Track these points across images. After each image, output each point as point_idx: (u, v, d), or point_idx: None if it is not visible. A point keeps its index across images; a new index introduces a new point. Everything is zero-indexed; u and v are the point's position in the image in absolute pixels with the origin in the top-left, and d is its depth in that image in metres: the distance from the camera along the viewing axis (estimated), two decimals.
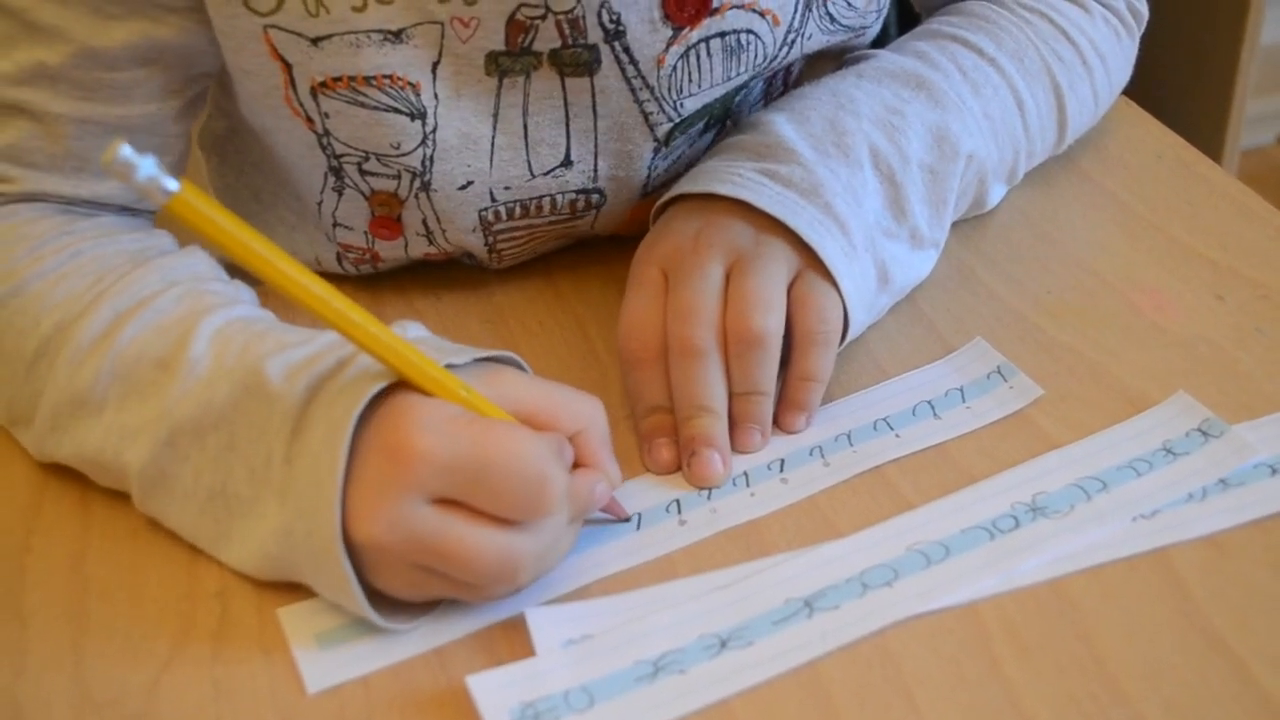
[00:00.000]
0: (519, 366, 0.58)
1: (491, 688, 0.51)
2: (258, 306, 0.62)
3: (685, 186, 0.66)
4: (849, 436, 0.62)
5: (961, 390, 0.64)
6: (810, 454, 0.62)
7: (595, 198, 0.70)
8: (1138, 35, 0.81)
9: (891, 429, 0.63)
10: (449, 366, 0.53)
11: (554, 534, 0.53)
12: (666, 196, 0.67)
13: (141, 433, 0.56)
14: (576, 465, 0.56)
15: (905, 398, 0.64)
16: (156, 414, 0.56)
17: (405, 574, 0.52)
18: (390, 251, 0.72)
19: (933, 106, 0.69)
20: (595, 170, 0.68)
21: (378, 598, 0.53)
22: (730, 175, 0.65)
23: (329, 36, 0.61)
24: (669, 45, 0.64)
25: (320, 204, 0.70)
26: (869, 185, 0.66)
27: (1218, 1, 1.76)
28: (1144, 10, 0.81)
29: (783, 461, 0.61)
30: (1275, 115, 2.20)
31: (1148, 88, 0.88)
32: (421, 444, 0.50)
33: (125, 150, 0.44)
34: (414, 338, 0.56)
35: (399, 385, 0.52)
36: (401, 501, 0.50)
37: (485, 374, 0.55)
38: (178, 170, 0.70)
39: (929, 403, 0.64)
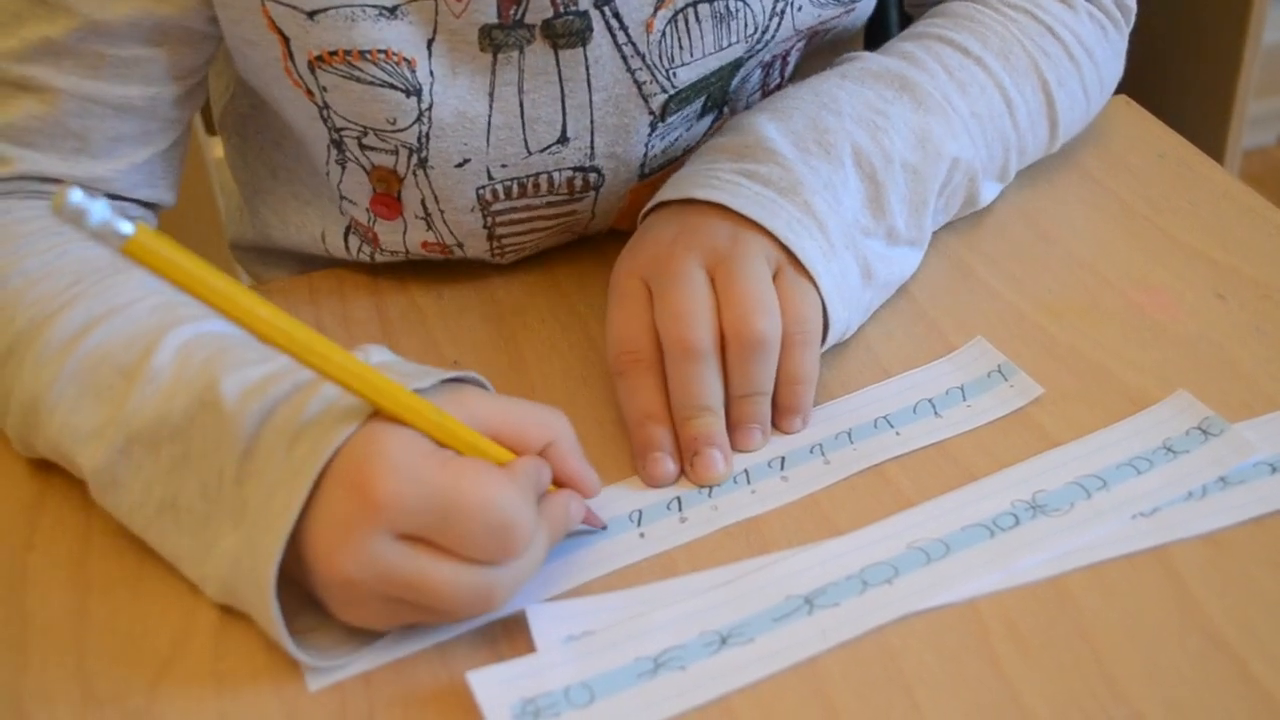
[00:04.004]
0: (481, 385, 0.58)
1: (492, 683, 0.51)
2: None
3: (665, 194, 0.66)
4: (849, 434, 0.63)
5: (962, 389, 0.65)
6: (811, 452, 0.62)
7: (593, 176, 0.70)
8: (1126, 31, 0.81)
9: (892, 427, 0.63)
10: (415, 392, 0.53)
11: (528, 564, 0.53)
12: (649, 205, 0.67)
13: (95, 438, 0.56)
14: (553, 480, 0.55)
15: (906, 396, 0.64)
16: (113, 419, 0.55)
17: (377, 606, 0.52)
18: (389, 235, 0.72)
19: (916, 107, 0.69)
20: (592, 147, 0.69)
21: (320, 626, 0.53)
22: (708, 178, 0.65)
23: (325, 10, 0.61)
24: (657, 9, 0.64)
25: (328, 174, 0.71)
26: (849, 183, 0.66)
27: (1220, 2, 1.76)
28: (1132, 4, 0.81)
29: (783, 459, 0.61)
30: (1277, 115, 2.20)
31: (1150, 88, 0.88)
32: (391, 486, 0.49)
33: (74, 195, 0.43)
34: (379, 362, 0.55)
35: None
36: (370, 539, 0.50)
37: (449, 395, 0.54)
38: (178, 155, 0.71)
39: (929, 401, 0.64)
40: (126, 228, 0.44)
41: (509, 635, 0.54)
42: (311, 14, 0.61)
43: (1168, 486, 0.58)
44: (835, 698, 0.51)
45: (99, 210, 0.43)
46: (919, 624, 0.53)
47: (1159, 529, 0.56)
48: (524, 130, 0.67)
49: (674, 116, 0.70)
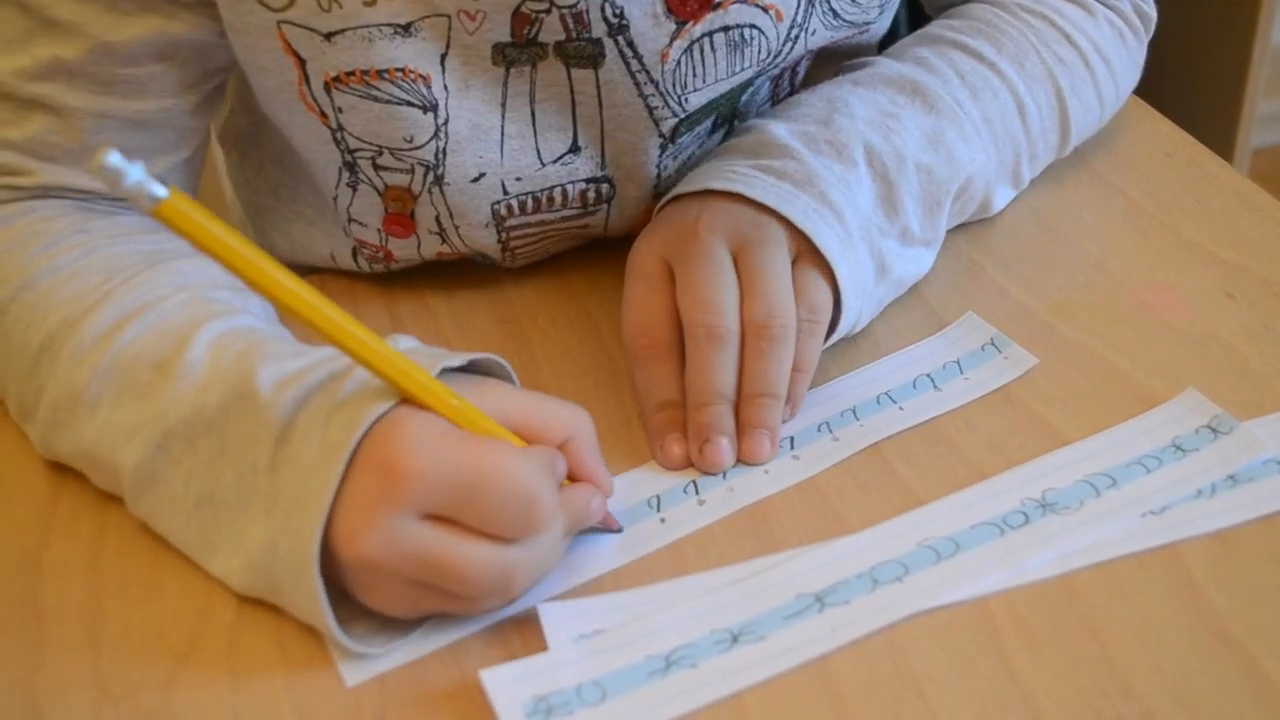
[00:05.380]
0: (507, 373, 0.58)
1: (505, 681, 0.51)
2: (271, 319, 0.63)
3: (681, 188, 0.67)
4: (854, 411, 0.64)
5: (959, 362, 0.66)
6: (819, 430, 0.63)
7: (605, 188, 0.70)
8: (1145, 38, 0.81)
9: (895, 402, 0.64)
10: (443, 371, 0.53)
11: (548, 547, 0.53)
12: (664, 199, 0.67)
13: (136, 433, 0.56)
14: (568, 476, 0.56)
15: (905, 372, 0.66)
16: (151, 415, 0.56)
17: (398, 590, 0.52)
18: (403, 251, 0.72)
19: (928, 112, 0.69)
20: (602, 157, 0.69)
21: (355, 619, 0.54)
22: (725, 172, 0.65)
23: (341, 31, 0.61)
24: (673, 40, 0.64)
25: (336, 199, 0.71)
26: (862, 182, 0.66)
27: (1229, 2, 1.76)
28: (1152, 13, 0.81)
29: (793, 439, 0.62)
30: None
31: (1159, 87, 0.88)
32: (414, 463, 0.50)
33: (113, 157, 0.44)
34: (405, 349, 0.56)
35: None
36: (394, 518, 0.50)
37: (473, 386, 0.55)
38: (197, 163, 0.71)
39: (928, 376, 0.65)
40: (160, 190, 0.45)
41: (521, 633, 0.54)
42: (329, 35, 0.61)
43: (1177, 485, 0.58)
44: (846, 695, 0.51)
45: (135, 172, 0.45)
46: (929, 622, 0.53)
47: (1168, 527, 0.56)
48: (536, 139, 0.67)
49: (684, 137, 0.70)
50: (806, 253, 0.63)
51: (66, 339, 0.59)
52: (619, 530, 0.59)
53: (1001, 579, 0.55)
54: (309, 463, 0.52)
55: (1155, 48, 0.83)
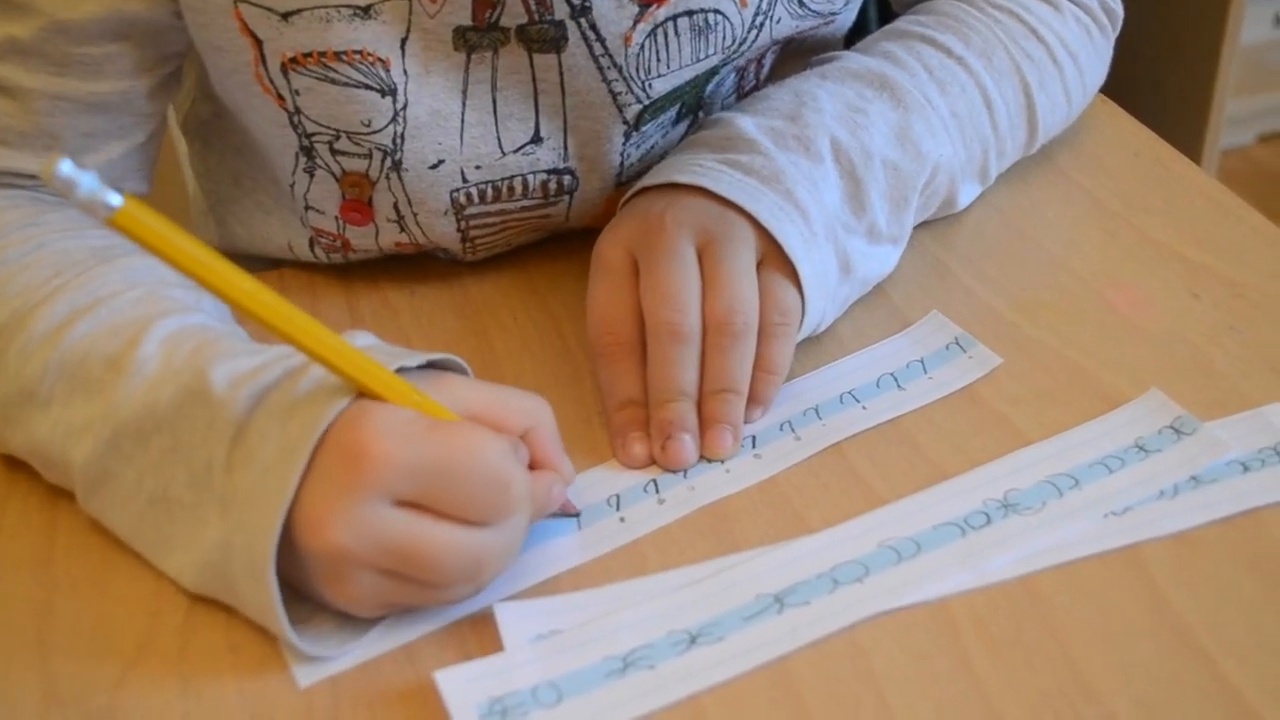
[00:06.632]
0: (462, 370, 0.58)
1: (460, 683, 0.50)
2: (224, 317, 0.62)
3: (647, 180, 0.66)
4: (817, 410, 0.63)
5: (922, 361, 0.66)
6: (781, 429, 0.62)
7: (567, 180, 0.70)
8: (1112, 35, 0.81)
9: (858, 401, 0.64)
10: (400, 370, 0.53)
11: (517, 532, 0.53)
12: (630, 192, 0.67)
13: (87, 430, 0.55)
14: (530, 464, 0.55)
15: (869, 370, 0.65)
16: (102, 412, 0.55)
17: (366, 581, 0.51)
18: (361, 239, 0.72)
19: (895, 106, 0.69)
20: (565, 148, 0.68)
21: (310, 618, 0.53)
22: (690, 166, 0.65)
23: (299, 11, 0.61)
24: (636, 23, 0.64)
25: (293, 186, 0.70)
26: (829, 178, 0.66)
27: (1198, 2, 1.77)
28: (1118, 9, 0.81)
29: (754, 438, 0.62)
30: (1255, 115, 2.21)
31: (1128, 87, 0.88)
32: (383, 448, 0.49)
33: (64, 166, 0.43)
34: (364, 345, 0.55)
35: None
36: (365, 505, 0.50)
37: (431, 379, 0.54)
38: (153, 149, 0.70)
39: (892, 375, 0.65)
40: (115, 199, 0.45)
41: (477, 634, 0.53)
42: (285, 15, 0.61)
43: (1139, 485, 0.58)
44: (805, 696, 0.50)
45: (87, 180, 0.44)
46: (889, 623, 0.53)
47: (1130, 528, 0.56)
48: (497, 128, 0.66)
49: (648, 125, 0.69)
50: (772, 252, 0.63)
51: (15, 334, 0.58)
52: (577, 514, 0.58)
53: (963, 580, 0.54)
54: (266, 461, 0.51)
55: (1124, 48, 0.83)
